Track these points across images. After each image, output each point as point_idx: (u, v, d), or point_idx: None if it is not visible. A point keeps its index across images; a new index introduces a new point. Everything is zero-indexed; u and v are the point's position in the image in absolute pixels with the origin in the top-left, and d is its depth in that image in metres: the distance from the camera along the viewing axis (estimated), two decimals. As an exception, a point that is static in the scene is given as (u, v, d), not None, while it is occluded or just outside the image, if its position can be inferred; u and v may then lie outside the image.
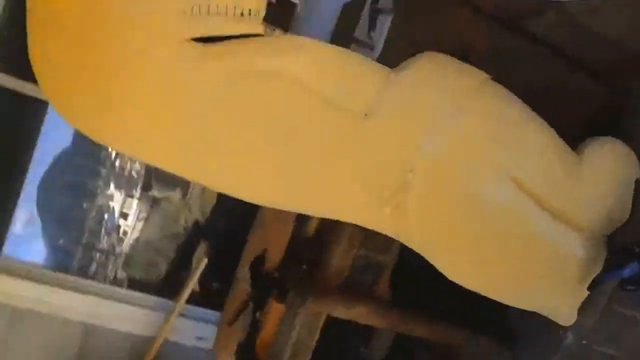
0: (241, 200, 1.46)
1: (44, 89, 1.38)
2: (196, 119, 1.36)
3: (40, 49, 1.35)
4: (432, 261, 1.60)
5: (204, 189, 2.41)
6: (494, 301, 1.82)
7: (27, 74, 1.43)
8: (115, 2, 1.31)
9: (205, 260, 2.07)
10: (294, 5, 2.22)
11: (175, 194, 2.46)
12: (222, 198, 2.28)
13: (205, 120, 1.36)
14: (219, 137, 1.38)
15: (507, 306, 1.89)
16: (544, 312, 1.74)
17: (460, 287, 1.64)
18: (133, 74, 1.33)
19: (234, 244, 1.97)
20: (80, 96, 1.36)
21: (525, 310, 1.86)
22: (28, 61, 1.35)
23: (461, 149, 1.49)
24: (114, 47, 1.32)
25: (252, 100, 1.37)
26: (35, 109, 2.12)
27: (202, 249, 2.14)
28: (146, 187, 2.46)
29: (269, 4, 1.39)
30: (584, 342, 1.71)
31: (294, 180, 1.47)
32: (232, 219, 2.19)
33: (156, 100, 1.35)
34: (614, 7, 1.59)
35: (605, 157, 1.62)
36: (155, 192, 2.47)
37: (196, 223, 2.29)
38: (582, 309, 1.69)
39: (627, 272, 1.49)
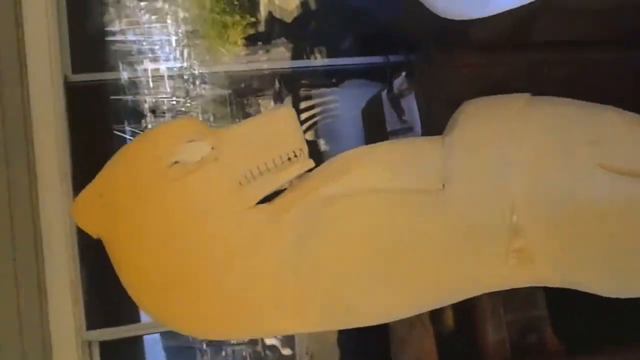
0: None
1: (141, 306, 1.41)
2: (296, 262, 1.35)
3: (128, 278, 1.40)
4: (580, 288, 1.50)
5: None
6: None
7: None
8: (179, 213, 1.37)
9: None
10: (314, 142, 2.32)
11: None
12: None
13: (306, 259, 1.35)
14: (326, 269, 1.37)
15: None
16: None
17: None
18: (224, 259, 1.36)
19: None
20: (175, 301, 1.38)
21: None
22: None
23: (547, 168, 1.45)
24: (195, 250, 1.37)
25: (343, 222, 1.37)
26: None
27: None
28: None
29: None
30: None
31: (414, 280, 1.43)
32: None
33: (253, 267, 1.36)
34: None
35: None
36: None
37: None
38: None
39: None
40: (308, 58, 3.13)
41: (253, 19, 3.54)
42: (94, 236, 1.35)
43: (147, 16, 3.17)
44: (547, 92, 1.56)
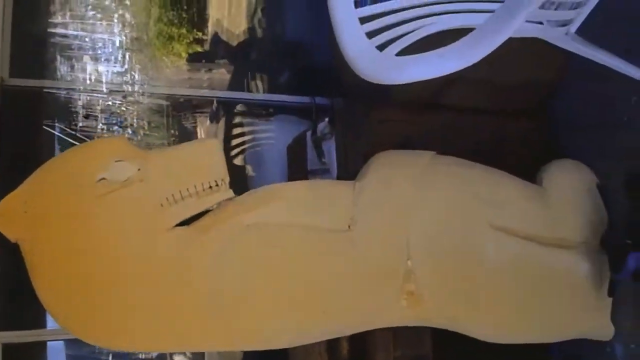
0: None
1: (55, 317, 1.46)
2: (210, 285, 1.45)
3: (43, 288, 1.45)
4: (464, 332, 1.67)
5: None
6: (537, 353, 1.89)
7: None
8: (100, 228, 1.44)
9: None
10: (242, 167, 2.43)
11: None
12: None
13: (220, 282, 1.45)
14: (244, 292, 1.47)
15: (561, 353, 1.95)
16: (584, 336, 1.79)
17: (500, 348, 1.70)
18: (141, 278, 1.43)
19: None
20: (92, 314, 1.44)
21: (564, 347, 1.93)
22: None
23: (442, 219, 1.62)
24: (114, 265, 1.44)
25: (257, 250, 1.48)
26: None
27: None
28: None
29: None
30: (632, 346, 1.75)
31: (315, 310, 1.55)
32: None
33: (169, 287, 1.44)
34: (507, 58, 1.84)
35: (560, 174, 1.78)
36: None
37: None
38: (614, 317, 1.77)
39: (631, 264, 1.58)
40: (247, 85, 3.24)
41: (199, 34, 3.62)
42: (12, 240, 1.39)
43: (92, 13, 3.19)
44: (454, 152, 1.75)
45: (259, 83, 3.27)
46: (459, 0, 1.46)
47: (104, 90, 2.77)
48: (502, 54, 1.80)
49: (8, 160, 1.96)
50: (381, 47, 1.41)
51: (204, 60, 3.71)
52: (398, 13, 1.48)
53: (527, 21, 1.45)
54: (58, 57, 2.59)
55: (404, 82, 1.33)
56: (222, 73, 3.62)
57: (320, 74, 2.28)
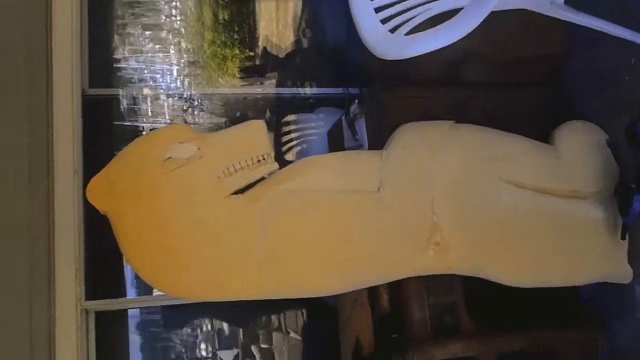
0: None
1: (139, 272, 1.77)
2: (261, 243, 1.72)
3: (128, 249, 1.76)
4: (487, 277, 1.87)
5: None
6: (571, 298, 2.06)
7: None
8: (169, 198, 1.75)
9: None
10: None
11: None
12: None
13: (270, 240, 1.72)
14: (288, 248, 1.74)
15: (584, 299, 2.11)
16: (604, 279, 1.95)
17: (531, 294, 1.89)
18: (204, 238, 1.73)
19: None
20: (167, 268, 1.75)
21: (593, 294, 2.09)
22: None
23: (461, 177, 1.84)
24: (181, 227, 1.75)
25: (299, 212, 1.76)
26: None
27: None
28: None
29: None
30: (650, 285, 1.90)
31: (352, 260, 1.79)
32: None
33: (227, 246, 1.73)
34: (513, 35, 2.05)
35: (570, 134, 1.96)
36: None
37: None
38: (631, 260, 1.93)
39: (637, 206, 1.74)
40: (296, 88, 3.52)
41: (251, 53, 3.94)
42: (102, 212, 1.72)
43: (151, 45, 3.54)
44: (469, 121, 1.96)
45: (304, 86, 3.53)
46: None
47: (167, 116, 3.10)
48: (507, 32, 2.04)
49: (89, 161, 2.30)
50: (392, 31, 1.67)
51: (256, 75, 4.01)
52: (406, 1, 1.74)
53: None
54: (120, 92, 2.92)
55: (412, 56, 1.57)
56: (272, 84, 3.92)
57: (352, 68, 2.56)
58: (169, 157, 1.73)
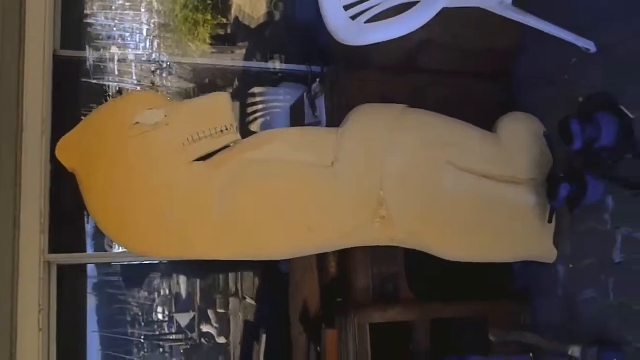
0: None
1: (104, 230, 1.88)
2: (222, 207, 1.85)
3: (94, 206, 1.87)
4: (428, 251, 2.04)
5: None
6: (500, 273, 2.26)
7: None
8: (136, 161, 1.86)
9: (264, 336, 2.47)
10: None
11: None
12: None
13: (230, 204, 1.85)
14: (245, 213, 1.87)
15: (513, 274, 2.32)
16: (532, 258, 2.15)
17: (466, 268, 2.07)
18: (168, 200, 1.85)
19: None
20: (132, 227, 1.86)
21: (525, 270, 2.29)
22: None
23: (410, 158, 2.00)
24: (145, 189, 1.86)
25: (257, 180, 1.89)
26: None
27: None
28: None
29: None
30: (570, 266, 2.10)
31: (304, 228, 1.94)
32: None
33: (189, 209, 1.85)
34: (470, 27, 2.20)
35: (513, 124, 2.14)
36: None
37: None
38: (555, 241, 2.13)
39: (562, 192, 1.93)
40: (265, 61, 3.61)
41: (223, 20, 3.98)
42: (69, 169, 1.82)
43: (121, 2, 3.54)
44: (424, 107, 2.11)
45: (272, 60, 3.62)
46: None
47: (134, 74, 3.15)
48: (465, 24, 2.19)
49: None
50: (354, 18, 1.79)
51: (227, 44, 4.07)
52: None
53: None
54: (87, 48, 2.95)
55: (368, 43, 1.71)
56: (242, 54, 3.99)
57: (317, 47, 2.67)
58: (137, 122, 1.83)
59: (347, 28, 1.76)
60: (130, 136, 1.83)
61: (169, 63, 3.42)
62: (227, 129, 1.90)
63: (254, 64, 3.51)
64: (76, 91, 2.63)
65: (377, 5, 1.83)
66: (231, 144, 1.93)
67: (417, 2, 1.66)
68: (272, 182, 1.93)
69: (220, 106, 1.92)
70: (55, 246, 2.28)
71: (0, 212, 2.13)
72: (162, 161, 1.86)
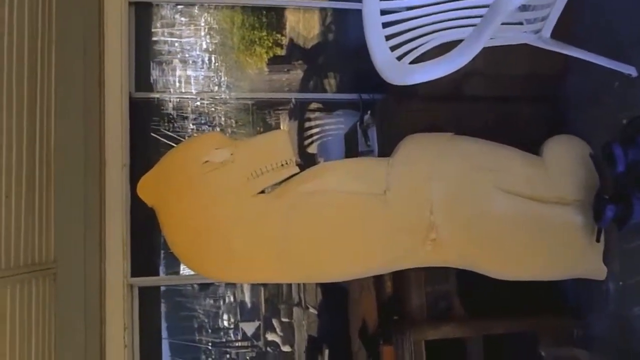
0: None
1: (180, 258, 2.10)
2: (283, 235, 2.03)
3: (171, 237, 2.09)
4: (479, 271, 2.16)
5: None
6: (552, 290, 2.34)
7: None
8: (206, 195, 2.07)
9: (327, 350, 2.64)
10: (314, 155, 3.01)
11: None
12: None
13: (290, 233, 2.03)
14: (303, 240, 2.05)
15: (564, 291, 2.39)
16: (582, 276, 2.23)
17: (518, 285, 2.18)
18: (235, 230, 2.04)
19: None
20: (204, 255, 2.07)
21: (576, 287, 2.36)
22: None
23: (456, 183, 2.12)
24: (215, 221, 2.07)
25: (314, 210, 2.06)
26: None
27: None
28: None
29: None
30: (620, 283, 2.16)
31: (362, 251, 2.10)
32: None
33: (253, 238, 2.05)
34: (513, 55, 2.30)
35: (557, 146, 2.22)
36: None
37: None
38: (605, 260, 2.19)
39: (608, 214, 2.00)
40: (320, 84, 3.76)
41: (278, 36, 4.17)
42: (150, 205, 2.05)
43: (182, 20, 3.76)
44: (469, 134, 2.23)
45: (327, 81, 3.78)
46: (455, 18, 1.95)
47: (193, 92, 3.37)
48: (508, 52, 2.29)
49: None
50: (399, 58, 1.94)
51: (282, 62, 4.25)
52: (413, 30, 2.00)
53: (510, 32, 1.94)
54: (151, 63, 3.17)
55: (412, 83, 1.85)
56: (298, 74, 4.17)
57: (369, 75, 2.83)
58: (207, 161, 2.04)
59: (393, 68, 1.91)
60: (201, 173, 2.04)
61: (227, 84, 3.60)
62: (287, 163, 2.09)
63: (310, 95, 3.64)
64: (149, 129, 2.88)
65: (421, 45, 1.97)
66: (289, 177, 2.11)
67: (460, 41, 1.79)
68: (327, 211, 2.09)
69: (279, 142, 2.10)
70: (136, 271, 2.53)
71: (89, 241, 2.40)
72: (229, 195, 2.06)
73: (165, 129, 2.88)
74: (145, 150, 2.72)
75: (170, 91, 3.01)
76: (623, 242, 2.15)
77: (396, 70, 1.90)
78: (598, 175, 2.17)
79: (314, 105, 3.51)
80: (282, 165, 2.08)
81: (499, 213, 2.16)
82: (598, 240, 2.14)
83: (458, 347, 2.23)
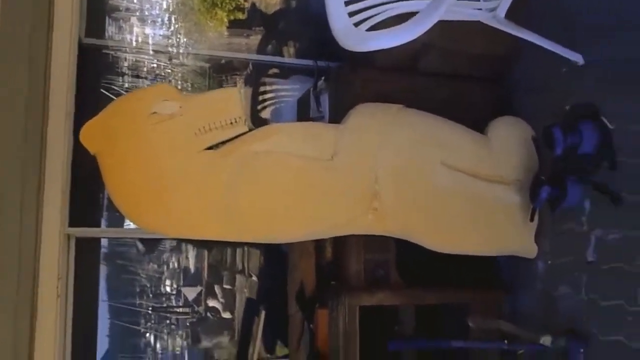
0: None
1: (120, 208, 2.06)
2: (227, 193, 2.02)
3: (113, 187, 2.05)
4: (418, 242, 2.21)
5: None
6: (485, 265, 2.42)
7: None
8: (152, 147, 2.04)
9: (264, 312, 2.65)
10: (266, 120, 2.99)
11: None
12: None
13: (235, 192, 2.03)
14: (248, 200, 2.04)
15: (497, 267, 2.48)
16: (515, 253, 2.32)
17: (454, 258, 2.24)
18: (179, 184, 2.02)
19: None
20: (146, 207, 2.04)
21: (508, 264, 2.45)
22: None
23: (403, 154, 2.16)
24: (158, 173, 2.04)
25: (261, 171, 2.06)
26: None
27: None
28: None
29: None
30: (549, 262, 2.26)
31: (305, 214, 2.11)
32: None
33: (197, 193, 2.03)
34: (470, 34, 2.33)
35: (502, 127, 2.29)
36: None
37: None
38: (537, 239, 2.29)
39: (543, 195, 2.08)
40: (279, 49, 3.73)
41: (240, 2, 4.11)
42: (92, 153, 2.00)
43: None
44: (420, 108, 2.26)
45: (286, 48, 3.75)
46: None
47: (150, 51, 3.29)
48: (465, 30, 2.33)
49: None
50: (357, 25, 1.94)
51: (243, 26, 4.19)
52: (372, -1, 2.00)
53: (466, 8, 1.97)
54: (107, 18, 3.06)
55: (367, 50, 1.85)
56: (257, 39, 4.12)
57: (326, 42, 2.82)
58: (154, 112, 2.00)
59: (350, 34, 1.91)
60: (148, 124, 2.00)
61: (186, 45, 3.53)
62: (236, 121, 2.07)
63: (268, 58, 3.62)
64: (98, 77, 2.80)
65: (379, 13, 1.97)
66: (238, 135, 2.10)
67: (415, 12, 1.81)
68: (274, 172, 2.09)
69: (230, 100, 2.08)
70: (74, 220, 2.47)
71: (26, 190, 2.32)
72: (174, 148, 2.03)
73: (117, 86, 2.81)
74: (93, 100, 2.64)
75: (125, 49, 2.92)
76: (555, 224, 2.24)
77: (352, 36, 1.90)
78: (537, 157, 2.25)
79: (270, 71, 3.49)
80: (232, 123, 2.07)
81: (442, 188, 2.21)
82: (532, 220, 2.22)
83: (391, 314, 2.29)
